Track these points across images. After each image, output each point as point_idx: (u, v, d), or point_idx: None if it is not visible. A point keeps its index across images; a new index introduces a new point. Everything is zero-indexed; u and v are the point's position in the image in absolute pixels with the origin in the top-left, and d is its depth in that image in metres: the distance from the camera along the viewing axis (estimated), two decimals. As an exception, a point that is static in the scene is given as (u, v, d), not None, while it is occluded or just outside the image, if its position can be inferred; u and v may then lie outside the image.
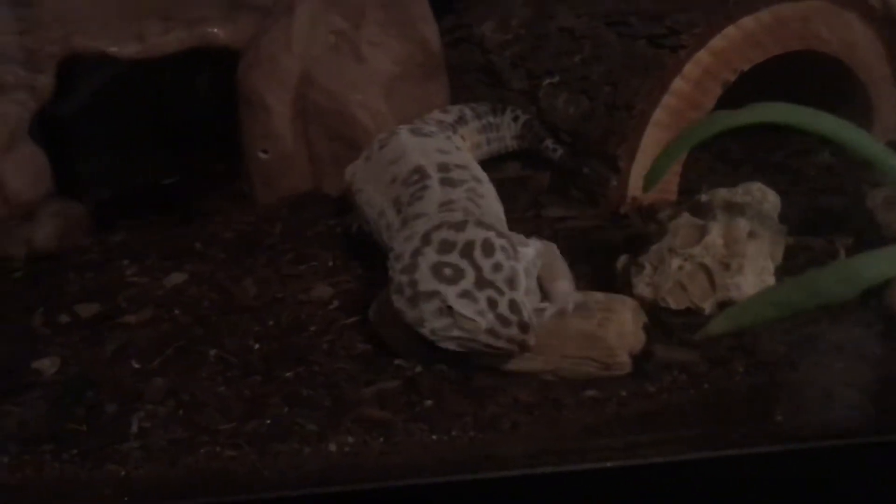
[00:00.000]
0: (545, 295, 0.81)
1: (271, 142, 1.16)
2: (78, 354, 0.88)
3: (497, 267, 0.75)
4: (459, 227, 0.78)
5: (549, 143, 1.16)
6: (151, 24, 1.12)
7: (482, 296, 0.74)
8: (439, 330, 0.76)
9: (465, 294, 0.74)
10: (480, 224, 0.78)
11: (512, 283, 0.75)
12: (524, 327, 0.74)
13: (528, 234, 1.03)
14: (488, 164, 1.19)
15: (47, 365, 0.86)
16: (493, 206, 0.92)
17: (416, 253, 0.77)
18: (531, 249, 0.82)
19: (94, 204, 1.16)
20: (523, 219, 1.08)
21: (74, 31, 1.10)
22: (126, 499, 0.72)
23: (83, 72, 1.21)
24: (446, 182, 0.90)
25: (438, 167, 0.92)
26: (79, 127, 1.25)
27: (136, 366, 0.85)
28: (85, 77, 1.22)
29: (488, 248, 0.76)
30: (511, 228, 1.02)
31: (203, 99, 1.37)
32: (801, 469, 0.75)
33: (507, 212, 1.08)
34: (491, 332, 0.74)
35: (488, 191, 0.93)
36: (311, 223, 1.12)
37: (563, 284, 0.81)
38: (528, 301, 0.76)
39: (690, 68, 1.07)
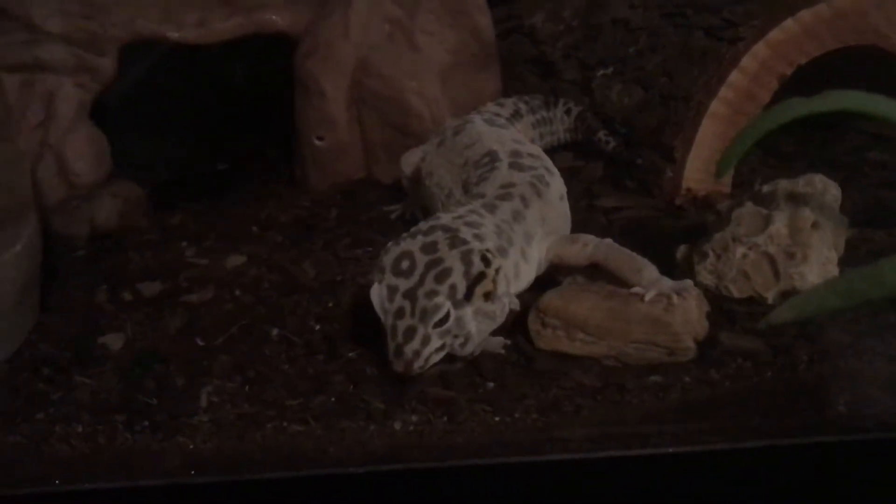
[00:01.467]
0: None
1: (326, 128, 1.17)
2: (143, 331, 0.89)
3: (430, 294, 0.75)
4: (455, 243, 0.78)
5: (601, 134, 1.16)
6: (212, 9, 1.14)
7: (399, 302, 0.76)
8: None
9: (392, 290, 0.77)
10: (476, 255, 0.77)
11: (425, 315, 0.75)
12: (398, 353, 0.75)
13: (583, 224, 1.04)
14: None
15: (114, 340, 0.87)
16: (554, 201, 0.91)
17: (411, 235, 0.80)
18: (498, 306, 0.79)
19: (151, 187, 1.18)
20: (577, 208, 1.08)
21: (137, 16, 1.12)
22: (193, 472, 0.74)
23: (142, 57, 1.23)
24: (514, 166, 0.91)
25: (511, 153, 0.93)
26: (138, 112, 1.27)
27: (201, 343, 0.87)
28: (144, 63, 1.24)
29: (442, 276, 0.76)
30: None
31: (258, 85, 1.39)
32: (863, 460, 0.75)
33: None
34: (384, 329, 0.77)
35: (556, 184, 0.93)
36: (366, 209, 1.13)
37: (649, 272, 0.81)
38: (437, 341, 0.75)
39: (748, 61, 1.07)
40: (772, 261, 0.83)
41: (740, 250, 0.83)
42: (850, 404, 0.76)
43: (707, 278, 0.84)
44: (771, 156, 1.21)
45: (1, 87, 1.06)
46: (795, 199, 0.86)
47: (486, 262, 0.77)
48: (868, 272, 0.78)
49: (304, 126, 1.18)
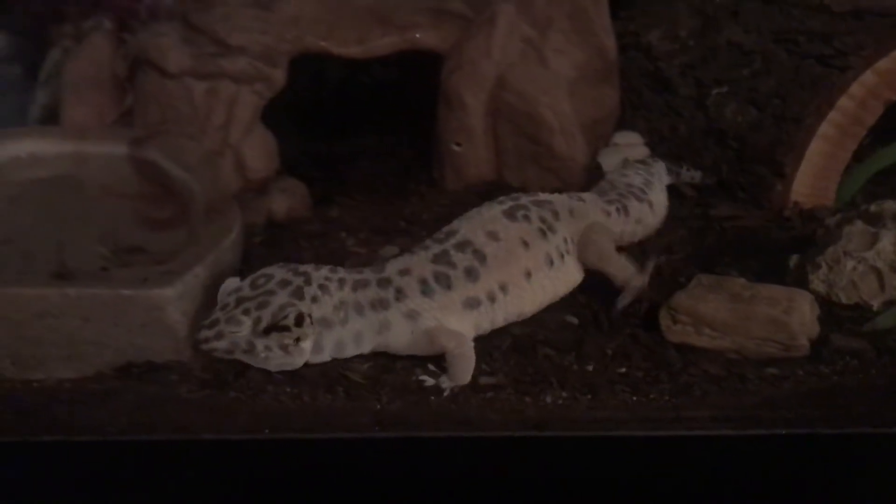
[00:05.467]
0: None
1: (465, 136, 1.30)
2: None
3: (245, 311, 0.90)
4: (295, 294, 0.92)
5: (686, 168, 1.26)
6: (370, 28, 1.28)
7: (230, 300, 0.92)
8: None
9: (235, 290, 0.93)
10: (293, 312, 0.90)
11: (229, 321, 0.90)
12: (205, 327, 0.90)
13: (699, 232, 1.16)
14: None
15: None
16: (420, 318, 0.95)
17: (291, 267, 0.96)
18: (296, 357, 0.91)
19: (309, 182, 1.33)
20: (692, 216, 1.21)
21: (306, 32, 1.27)
22: (377, 428, 0.89)
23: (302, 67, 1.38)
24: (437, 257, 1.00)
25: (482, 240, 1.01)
26: (291, 115, 1.42)
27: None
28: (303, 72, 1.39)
29: (261, 306, 0.91)
30: (678, 227, 1.16)
31: (392, 94, 1.53)
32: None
33: (674, 209, 1.21)
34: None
35: (460, 292, 0.97)
36: (500, 208, 1.26)
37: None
38: (224, 343, 0.90)
39: (856, 87, 1.17)
40: (878, 273, 0.94)
41: (850, 263, 0.95)
42: (944, 401, 0.87)
43: (819, 286, 0.96)
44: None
45: (191, 93, 1.24)
46: (901, 219, 0.97)
47: (298, 322, 0.90)
48: (966, 287, 0.89)
49: (445, 133, 1.32)
